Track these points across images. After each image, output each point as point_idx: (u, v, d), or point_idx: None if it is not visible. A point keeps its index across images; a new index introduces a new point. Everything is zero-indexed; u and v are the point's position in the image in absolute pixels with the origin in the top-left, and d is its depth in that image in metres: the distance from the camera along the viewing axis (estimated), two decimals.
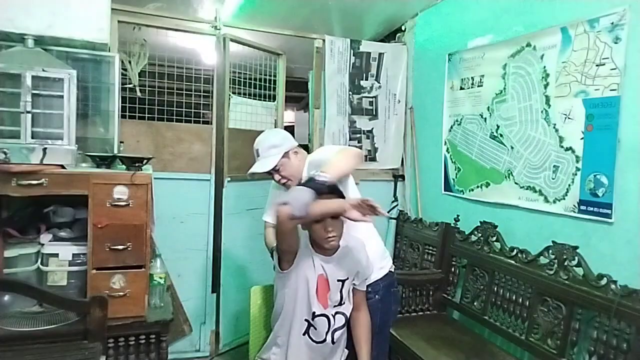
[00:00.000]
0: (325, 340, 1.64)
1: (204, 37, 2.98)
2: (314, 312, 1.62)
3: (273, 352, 1.69)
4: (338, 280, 1.65)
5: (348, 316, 1.69)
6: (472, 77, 2.73)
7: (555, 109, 2.17)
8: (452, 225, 2.76)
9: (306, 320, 1.64)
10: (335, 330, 1.65)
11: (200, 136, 2.91)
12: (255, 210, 3.13)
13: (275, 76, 3.25)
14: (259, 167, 1.87)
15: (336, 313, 1.65)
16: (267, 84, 3.21)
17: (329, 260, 1.65)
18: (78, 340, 1.66)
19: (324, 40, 3.22)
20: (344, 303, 1.67)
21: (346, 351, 1.76)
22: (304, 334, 1.64)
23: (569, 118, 2.10)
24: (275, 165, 1.86)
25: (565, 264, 1.98)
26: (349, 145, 3.27)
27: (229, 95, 2.96)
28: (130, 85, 2.67)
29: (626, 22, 1.85)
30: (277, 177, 1.90)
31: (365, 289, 1.75)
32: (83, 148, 1.99)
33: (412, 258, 3.05)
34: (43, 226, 1.89)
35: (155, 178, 1.98)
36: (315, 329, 1.63)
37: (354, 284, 1.70)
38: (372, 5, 3.13)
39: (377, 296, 1.83)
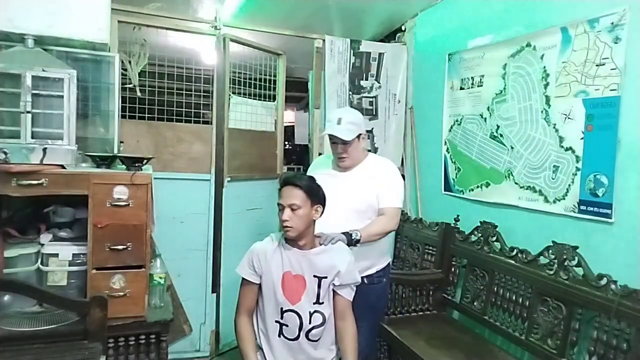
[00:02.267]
0: (298, 337, 1.67)
1: (204, 37, 2.98)
2: (281, 308, 1.66)
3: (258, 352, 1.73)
4: (314, 276, 1.69)
5: (327, 316, 1.71)
6: (472, 77, 2.73)
7: (555, 109, 2.17)
8: (452, 225, 2.75)
9: (277, 322, 1.68)
10: (312, 329, 1.68)
11: (200, 136, 2.91)
12: (255, 210, 3.14)
13: (275, 76, 3.25)
14: (341, 133, 1.98)
15: (314, 312, 1.68)
16: (267, 84, 3.21)
17: (306, 254, 1.70)
18: (78, 340, 1.66)
19: (324, 40, 3.21)
20: (322, 302, 1.70)
21: (339, 353, 1.77)
22: (279, 336, 1.68)
23: (569, 118, 2.10)
24: (350, 140, 2.00)
25: (565, 264, 1.98)
26: None
27: (229, 95, 2.96)
28: (130, 85, 2.67)
29: (626, 22, 1.85)
30: (342, 148, 2.03)
31: (351, 299, 1.76)
32: (83, 148, 1.99)
33: (412, 258, 3.05)
34: (43, 226, 1.89)
35: (155, 178, 1.98)
36: (287, 326, 1.67)
37: (334, 284, 1.71)
38: (372, 5, 3.13)
39: (384, 279, 2.12)
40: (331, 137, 2.03)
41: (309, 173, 2.16)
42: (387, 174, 2.10)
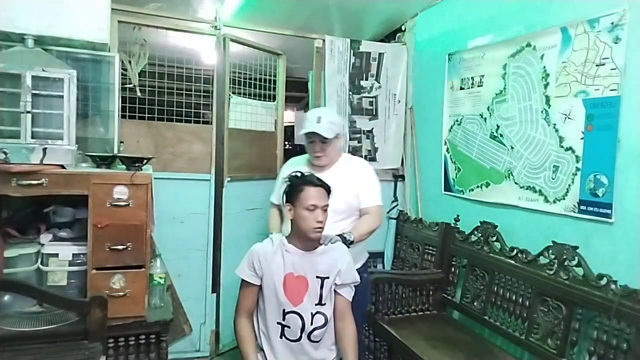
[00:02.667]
0: (300, 338, 1.67)
1: (204, 37, 2.98)
2: (283, 310, 1.66)
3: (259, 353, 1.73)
4: (317, 277, 1.68)
5: (328, 317, 1.71)
6: (472, 77, 2.73)
7: (555, 109, 2.17)
8: (452, 225, 2.75)
9: (278, 323, 1.67)
10: (314, 330, 1.67)
11: (200, 136, 2.91)
12: (255, 210, 3.13)
13: (275, 76, 3.25)
14: (322, 131, 2.01)
15: (316, 313, 1.68)
16: (267, 84, 3.20)
17: (309, 255, 1.69)
18: (78, 340, 1.66)
19: (324, 40, 3.21)
20: (324, 303, 1.70)
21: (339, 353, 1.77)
22: (280, 337, 1.68)
23: (569, 118, 2.10)
24: (330, 138, 2.04)
25: (565, 264, 1.98)
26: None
27: (229, 95, 2.96)
28: (130, 85, 2.66)
29: (626, 22, 1.85)
30: (320, 147, 2.07)
31: (350, 299, 1.76)
32: (83, 148, 1.99)
33: (412, 258, 3.05)
34: (43, 226, 1.89)
35: (155, 178, 1.98)
36: (289, 327, 1.67)
37: (335, 284, 1.71)
38: (372, 5, 3.13)
39: (364, 275, 2.14)
40: (310, 135, 2.06)
41: (284, 173, 2.18)
42: (365, 173, 2.13)
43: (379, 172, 3.42)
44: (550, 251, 2.06)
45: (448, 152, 2.95)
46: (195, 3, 3.06)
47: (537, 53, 2.27)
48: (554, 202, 2.17)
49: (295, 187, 1.68)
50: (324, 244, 1.75)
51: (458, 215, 2.74)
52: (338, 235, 1.86)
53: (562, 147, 2.13)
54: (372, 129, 3.39)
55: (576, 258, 1.94)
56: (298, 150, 6.40)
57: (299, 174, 1.72)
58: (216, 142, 2.92)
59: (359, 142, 3.37)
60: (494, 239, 2.42)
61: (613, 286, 1.76)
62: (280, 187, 1.98)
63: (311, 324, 1.67)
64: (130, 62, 2.67)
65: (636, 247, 1.81)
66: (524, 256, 2.20)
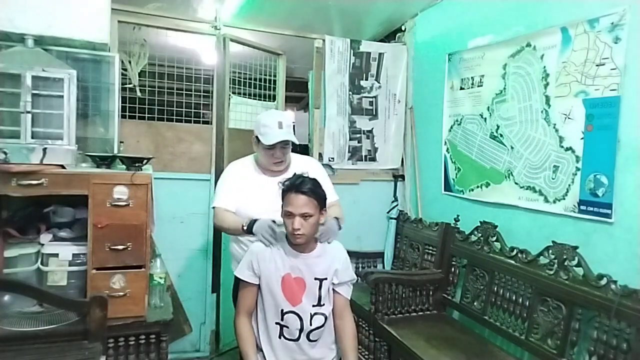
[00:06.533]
0: (299, 338, 1.67)
1: (204, 37, 2.98)
2: (282, 310, 1.66)
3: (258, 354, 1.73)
4: (315, 279, 1.68)
5: (328, 317, 1.71)
6: (472, 77, 2.73)
7: (555, 109, 2.17)
8: (452, 225, 2.75)
9: (277, 323, 1.68)
10: (313, 330, 1.68)
11: (200, 136, 2.91)
12: None
13: (275, 76, 3.25)
14: (291, 137, 1.94)
15: (315, 314, 1.68)
16: (267, 84, 3.21)
17: (306, 257, 1.69)
18: (78, 340, 1.66)
19: (324, 40, 3.21)
20: (323, 304, 1.70)
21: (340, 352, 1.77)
22: (279, 337, 1.68)
23: (569, 118, 2.10)
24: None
25: (565, 264, 1.98)
26: (348, 146, 3.31)
27: (229, 95, 2.96)
28: (130, 85, 2.67)
29: (626, 22, 1.85)
30: (282, 152, 1.97)
31: (349, 297, 1.77)
32: (83, 148, 2.00)
33: (412, 258, 3.05)
34: (43, 226, 1.89)
35: (155, 178, 1.98)
36: (288, 327, 1.67)
37: (333, 284, 1.72)
38: (372, 5, 3.13)
39: None
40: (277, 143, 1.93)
41: (231, 183, 2.01)
42: (319, 171, 2.08)
43: (379, 172, 3.47)
44: (550, 251, 2.06)
45: (448, 152, 2.95)
46: (195, 3, 3.06)
47: (537, 53, 2.27)
48: (554, 202, 2.17)
49: (283, 190, 1.67)
50: (320, 241, 1.75)
51: (458, 215, 2.74)
52: (335, 217, 1.86)
53: (562, 147, 2.13)
54: (372, 129, 3.39)
55: (576, 258, 1.94)
56: (298, 150, 6.41)
57: (301, 174, 1.69)
58: (216, 142, 2.92)
59: (359, 142, 3.37)
60: (494, 239, 2.42)
61: (613, 286, 1.76)
62: (229, 189, 1.97)
63: (310, 324, 1.67)
64: (130, 62, 2.67)
65: (636, 247, 1.81)
66: (524, 256, 2.20)
